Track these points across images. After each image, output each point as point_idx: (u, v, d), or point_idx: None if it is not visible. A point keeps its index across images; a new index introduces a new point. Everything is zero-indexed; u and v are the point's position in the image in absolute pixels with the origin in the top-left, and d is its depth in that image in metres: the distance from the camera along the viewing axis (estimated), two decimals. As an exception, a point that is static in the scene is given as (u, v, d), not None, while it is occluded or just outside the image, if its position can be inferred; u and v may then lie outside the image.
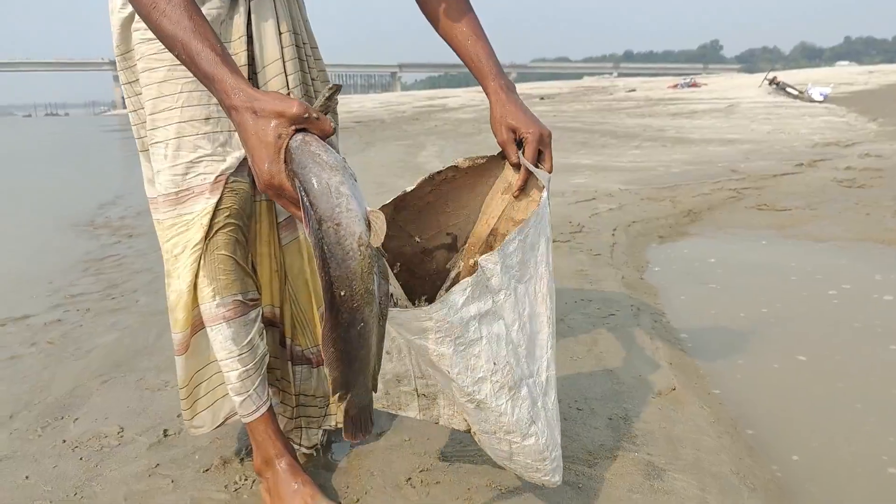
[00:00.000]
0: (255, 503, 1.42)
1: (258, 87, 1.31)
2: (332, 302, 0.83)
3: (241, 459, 1.58)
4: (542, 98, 24.93)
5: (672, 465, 1.49)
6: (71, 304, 3.09)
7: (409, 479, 1.47)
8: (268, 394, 1.38)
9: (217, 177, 1.25)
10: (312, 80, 1.42)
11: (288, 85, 1.33)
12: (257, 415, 1.36)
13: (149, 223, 5.25)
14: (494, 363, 1.07)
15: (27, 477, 1.58)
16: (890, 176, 5.30)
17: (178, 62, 1.18)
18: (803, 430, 1.76)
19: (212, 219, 1.25)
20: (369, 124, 17.97)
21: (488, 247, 1.39)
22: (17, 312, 2.95)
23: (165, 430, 1.75)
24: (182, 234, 1.27)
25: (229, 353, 1.30)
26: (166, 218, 1.28)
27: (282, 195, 0.88)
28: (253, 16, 1.27)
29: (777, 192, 5.01)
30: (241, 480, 1.50)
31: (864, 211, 4.28)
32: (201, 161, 1.25)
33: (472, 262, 1.40)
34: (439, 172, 1.32)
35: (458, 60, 1.39)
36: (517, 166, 1.32)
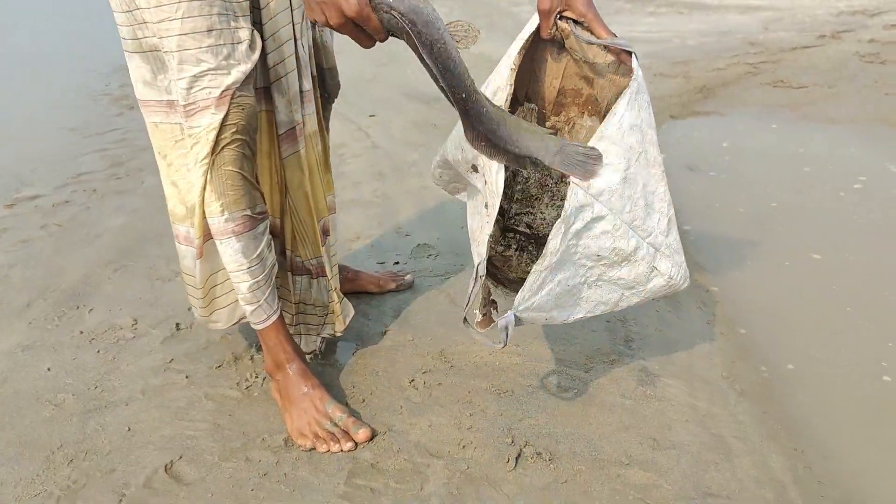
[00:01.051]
0: (265, 401, 1.50)
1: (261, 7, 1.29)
2: (464, 109, 1.05)
3: (252, 357, 1.65)
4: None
5: (665, 370, 1.55)
6: (77, 183, 3.09)
7: (413, 380, 1.54)
8: (278, 302, 1.42)
9: (223, 91, 1.23)
10: None
11: (291, 6, 1.34)
12: (268, 323, 1.40)
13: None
14: (598, 255, 1.19)
15: (49, 369, 1.66)
16: (917, 51, 5.09)
17: None
18: (799, 332, 1.80)
19: (218, 134, 1.25)
20: None
21: (559, 105, 1.43)
22: (25, 192, 2.97)
23: (178, 324, 1.82)
24: (193, 147, 1.27)
25: (239, 265, 1.33)
26: (184, 124, 1.28)
27: (366, 26, 0.99)
28: None
29: (795, 67, 4.83)
30: (251, 378, 1.58)
31: (884, 90, 4.14)
32: (205, 75, 1.22)
33: (548, 124, 1.46)
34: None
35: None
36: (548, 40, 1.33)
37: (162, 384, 1.58)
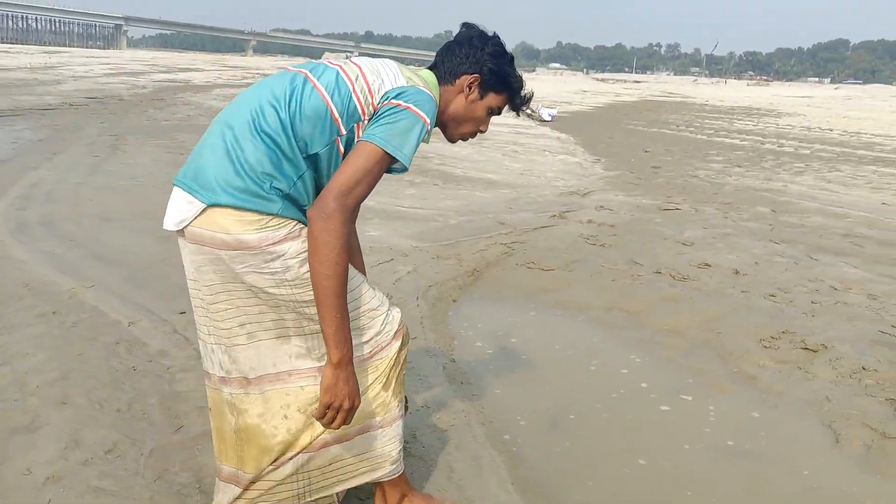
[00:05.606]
0: None
1: None
2: None
3: None
4: (295, 89, 24.50)
5: None
6: None
7: None
8: None
9: (399, 324, 2.00)
10: None
11: None
12: None
13: None
14: None
15: None
16: (622, 234, 6.34)
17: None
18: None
19: (398, 352, 1.98)
20: (106, 102, 16.45)
21: None
22: None
23: None
24: (371, 373, 1.95)
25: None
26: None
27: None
28: None
29: (540, 249, 5.70)
30: None
31: (610, 276, 5.09)
32: (388, 317, 1.96)
33: None
34: None
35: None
36: None
37: None
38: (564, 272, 5.20)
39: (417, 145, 1.74)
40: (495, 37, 1.98)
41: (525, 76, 2.07)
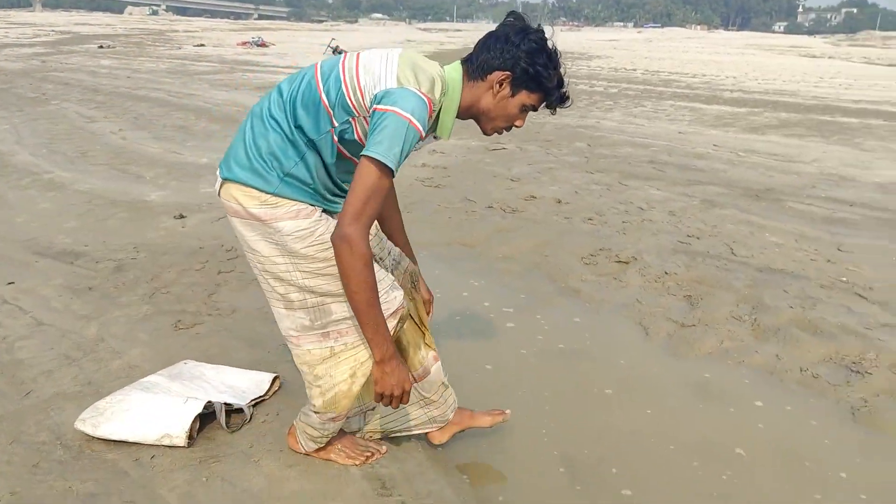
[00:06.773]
0: None
1: None
2: None
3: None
4: (101, 47, 22.71)
5: None
6: None
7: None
8: None
9: (400, 303, 2.12)
10: None
11: None
12: None
13: None
14: None
15: None
16: (454, 175, 6.67)
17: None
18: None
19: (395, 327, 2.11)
20: None
21: None
22: None
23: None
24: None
25: None
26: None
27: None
28: None
29: None
30: None
31: (447, 214, 5.39)
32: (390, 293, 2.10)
33: None
34: None
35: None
36: None
37: None
38: (405, 213, 5.33)
39: (407, 147, 1.75)
40: (537, 31, 1.90)
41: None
